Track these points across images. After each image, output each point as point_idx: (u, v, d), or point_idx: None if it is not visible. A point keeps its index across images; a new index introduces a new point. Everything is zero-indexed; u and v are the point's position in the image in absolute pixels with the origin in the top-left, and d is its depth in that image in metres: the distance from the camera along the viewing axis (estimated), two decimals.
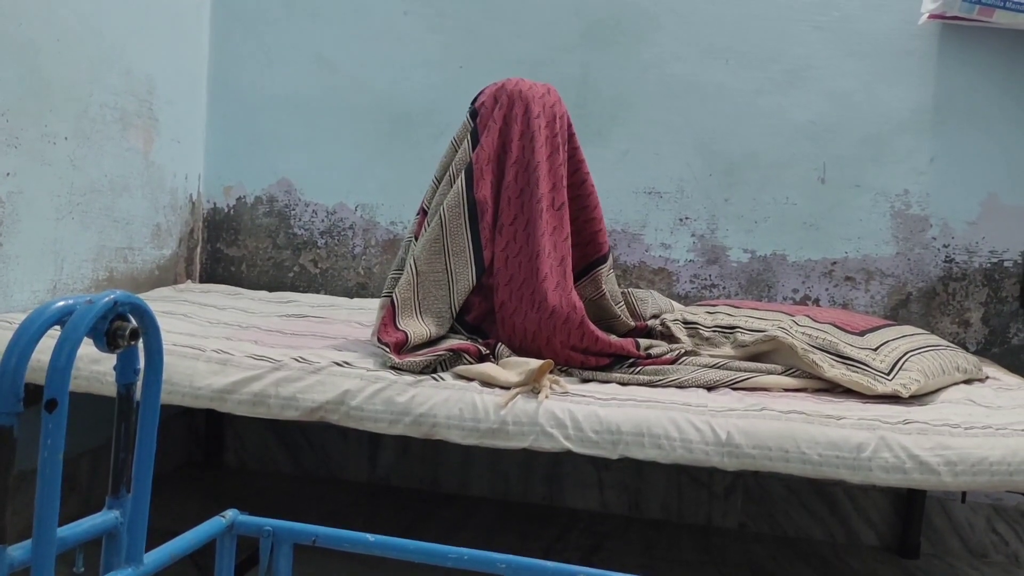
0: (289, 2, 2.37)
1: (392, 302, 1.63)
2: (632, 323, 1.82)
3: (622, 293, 1.85)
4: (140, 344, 0.82)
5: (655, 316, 1.89)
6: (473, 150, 1.68)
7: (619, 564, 1.96)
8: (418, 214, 1.73)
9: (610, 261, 1.78)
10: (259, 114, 2.38)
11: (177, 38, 2.26)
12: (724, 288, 2.26)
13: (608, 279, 1.78)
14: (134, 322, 0.77)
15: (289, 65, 2.37)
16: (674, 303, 2.02)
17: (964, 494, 2.05)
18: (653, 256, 2.27)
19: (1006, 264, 2.17)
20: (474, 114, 1.71)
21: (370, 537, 0.93)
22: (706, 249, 2.26)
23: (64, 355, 0.71)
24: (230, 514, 0.96)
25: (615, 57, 2.26)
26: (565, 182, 1.67)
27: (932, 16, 2.10)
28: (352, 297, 2.32)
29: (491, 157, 1.67)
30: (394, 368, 1.49)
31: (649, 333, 1.84)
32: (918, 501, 2.14)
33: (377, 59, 2.34)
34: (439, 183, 1.72)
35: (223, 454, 2.39)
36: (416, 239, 1.70)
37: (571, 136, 1.73)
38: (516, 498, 2.30)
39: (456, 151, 1.71)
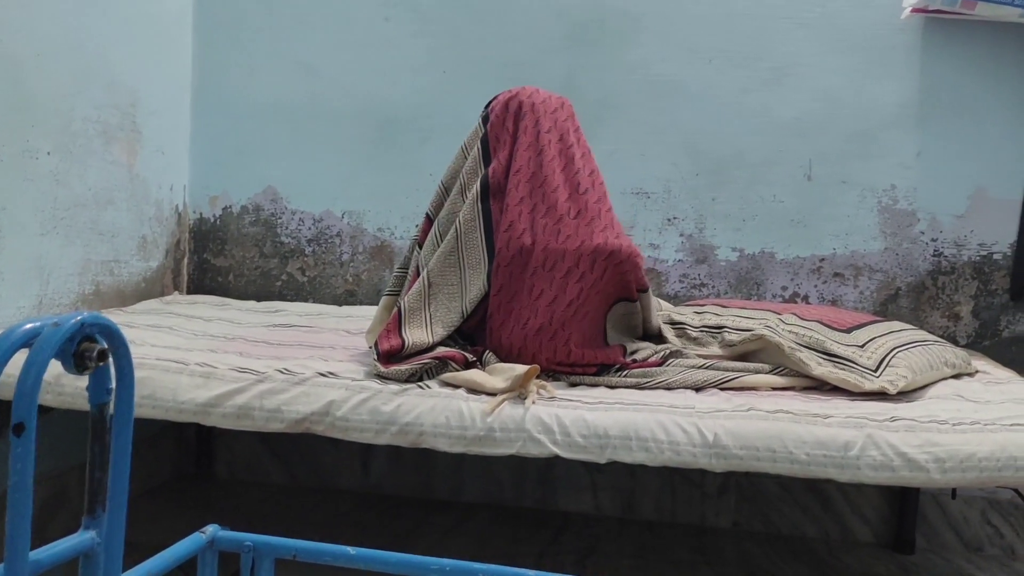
0: (272, 10, 2.36)
1: (400, 309, 1.61)
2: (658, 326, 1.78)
3: None
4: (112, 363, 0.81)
5: None
6: (483, 158, 1.67)
7: (613, 566, 1.96)
8: (425, 220, 1.71)
9: None
10: (244, 123, 2.38)
11: (160, 49, 2.25)
12: (713, 287, 2.26)
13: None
14: (103, 343, 0.77)
15: (273, 73, 2.36)
16: (662, 302, 2.02)
17: (954, 490, 2.05)
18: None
19: (995, 257, 2.16)
20: (485, 119, 1.70)
21: (351, 550, 0.93)
22: (695, 248, 2.26)
23: (31, 379, 0.70)
24: (210, 529, 0.96)
25: (600, 59, 2.26)
26: (582, 190, 1.62)
27: (915, 10, 2.10)
28: (341, 305, 2.32)
29: (507, 171, 1.65)
30: (380, 377, 1.49)
31: None
32: (912, 496, 2.14)
33: (361, 65, 2.33)
34: (447, 191, 1.70)
35: (214, 466, 2.39)
36: (420, 245, 1.69)
37: (589, 151, 1.69)
38: (509, 502, 2.29)
39: (466, 157, 1.70)
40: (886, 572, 2.03)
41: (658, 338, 1.81)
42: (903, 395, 1.58)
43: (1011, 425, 1.43)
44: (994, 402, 1.58)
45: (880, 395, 1.55)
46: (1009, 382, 1.76)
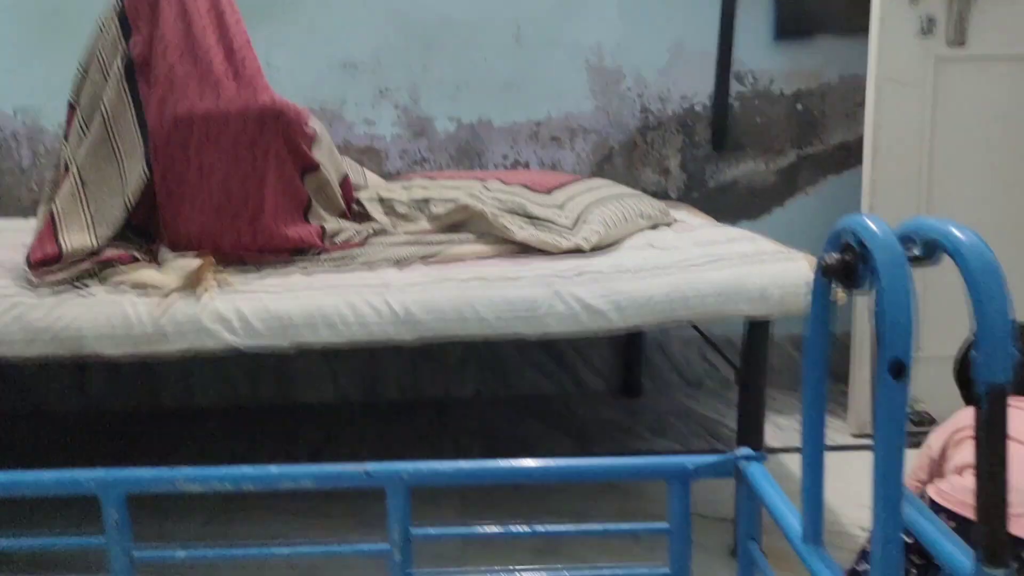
0: None
1: (52, 213, 1.44)
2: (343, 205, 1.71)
3: None
4: None
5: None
6: (123, 32, 1.50)
7: (350, 451, 1.94)
8: (68, 109, 1.54)
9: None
10: None
11: None
12: (435, 161, 2.21)
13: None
14: None
15: None
16: (369, 175, 1.94)
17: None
18: (357, 134, 2.17)
19: (696, 109, 2.24)
20: None
21: None
22: (411, 121, 2.19)
23: None
24: None
25: None
26: (238, 49, 1.47)
27: None
28: (27, 217, 2.07)
29: (150, 42, 1.49)
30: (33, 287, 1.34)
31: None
32: (636, 344, 2.25)
33: None
34: (86, 72, 1.53)
35: None
36: (67, 138, 1.51)
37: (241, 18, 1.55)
38: (245, 402, 2.21)
39: (103, 33, 1.52)
40: (613, 415, 2.14)
41: (363, 216, 1.75)
42: (599, 250, 1.61)
43: (687, 267, 1.50)
44: (681, 247, 1.64)
45: (578, 252, 1.58)
46: (700, 228, 1.85)
